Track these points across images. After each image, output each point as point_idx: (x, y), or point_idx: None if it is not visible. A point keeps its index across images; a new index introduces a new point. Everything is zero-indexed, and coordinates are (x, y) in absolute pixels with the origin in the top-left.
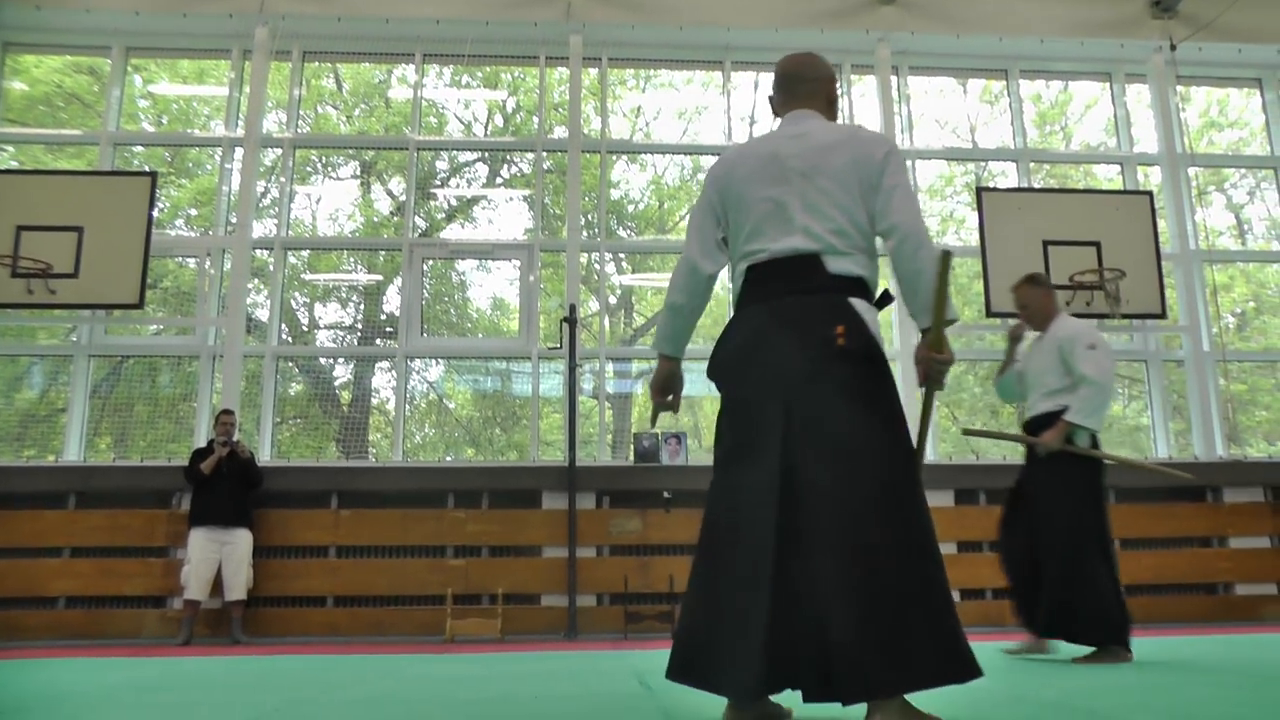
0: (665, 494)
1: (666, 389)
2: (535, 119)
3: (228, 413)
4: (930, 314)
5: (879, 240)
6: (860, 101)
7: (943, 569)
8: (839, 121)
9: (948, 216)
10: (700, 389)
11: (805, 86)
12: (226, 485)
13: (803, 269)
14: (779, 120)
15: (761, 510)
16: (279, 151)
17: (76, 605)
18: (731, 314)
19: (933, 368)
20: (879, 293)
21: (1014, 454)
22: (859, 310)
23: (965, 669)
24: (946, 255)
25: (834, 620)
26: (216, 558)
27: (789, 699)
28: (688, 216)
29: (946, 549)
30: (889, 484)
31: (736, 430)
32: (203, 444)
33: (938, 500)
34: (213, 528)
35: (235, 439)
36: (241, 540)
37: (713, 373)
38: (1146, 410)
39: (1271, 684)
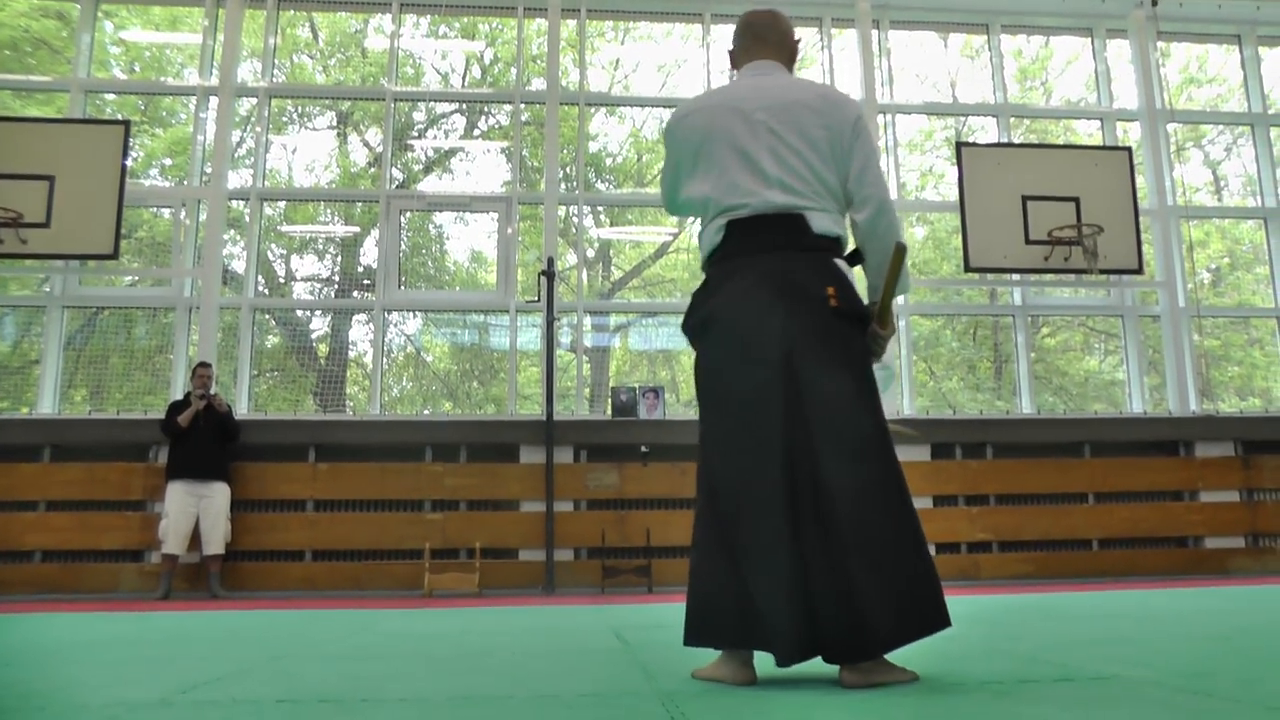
0: (643, 448)
1: None
2: (513, 71)
3: (205, 365)
4: (881, 289)
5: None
6: (840, 55)
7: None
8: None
9: (927, 171)
10: (679, 344)
11: (772, 36)
12: (204, 438)
13: (789, 227)
14: (739, 72)
15: (771, 472)
16: (254, 101)
17: (52, 559)
18: (706, 269)
19: (875, 340)
20: (848, 251)
21: (990, 408)
22: (844, 270)
23: (945, 618)
24: (902, 248)
25: (853, 582)
26: (194, 511)
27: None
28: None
29: (923, 503)
30: (877, 440)
31: (732, 391)
32: (179, 397)
33: (914, 454)
34: (190, 481)
35: (213, 392)
36: (219, 494)
37: (696, 330)
38: (1122, 365)
39: (1239, 636)
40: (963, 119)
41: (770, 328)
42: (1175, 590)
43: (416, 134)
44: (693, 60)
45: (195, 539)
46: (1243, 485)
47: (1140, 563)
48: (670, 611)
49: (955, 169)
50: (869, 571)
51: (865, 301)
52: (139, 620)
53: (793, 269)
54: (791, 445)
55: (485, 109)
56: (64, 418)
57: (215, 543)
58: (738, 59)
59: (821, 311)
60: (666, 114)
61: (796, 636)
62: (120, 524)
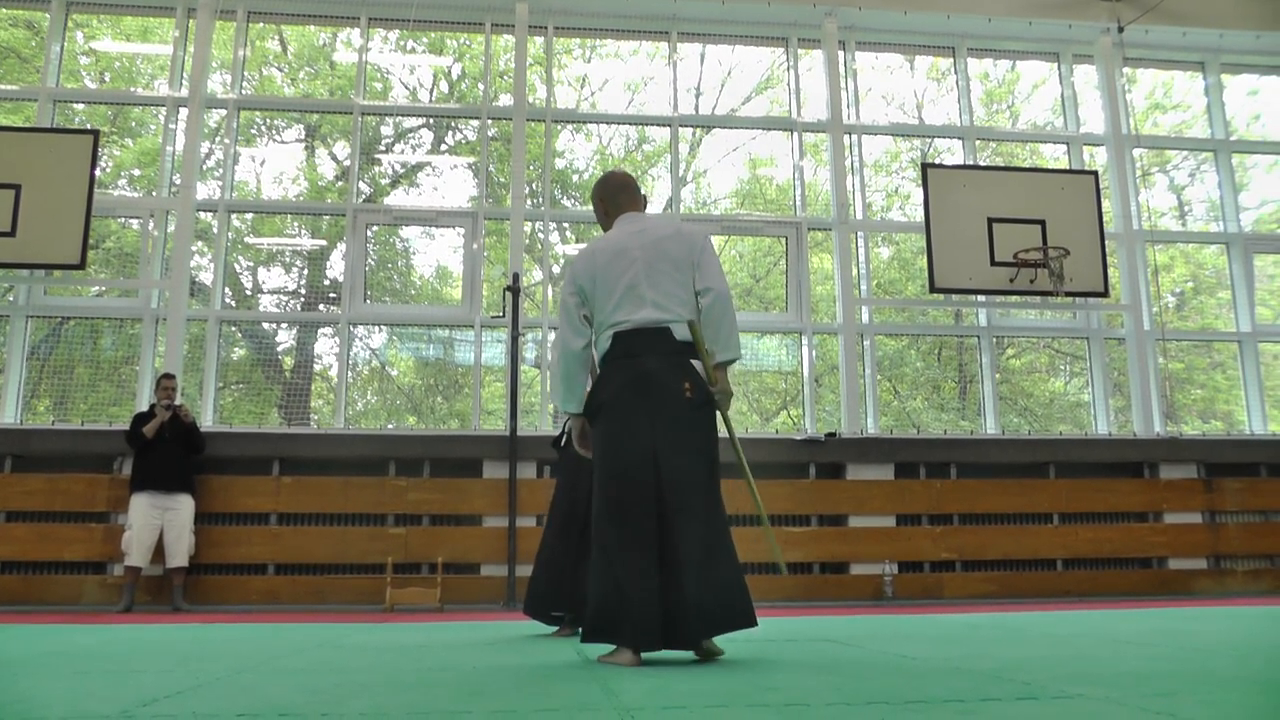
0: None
1: (588, 438)
2: (481, 86)
3: (169, 377)
4: (722, 354)
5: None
6: (806, 76)
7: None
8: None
9: (893, 192)
10: None
11: (631, 194)
12: (169, 450)
13: (657, 336)
14: (617, 221)
15: (642, 504)
16: (223, 113)
17: (13, 570)
18: (599, 368)
19: (719, 397)
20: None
21: (954, 428)
22: (697, 369)
23: (752, 619)
24: (721, 364)
25: (687, 581)
26: (159, 523)
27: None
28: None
29: (886, 522)
30: (710, 489)
31: (620, 447)
32: (144, 408)
33: (878, 474)
34: (155, 493)
35: (179, 403)
36: (184, 506)
37: (593, 412)
38: (1087, 387)
39: (1201, 656)
40: (929, 141)
41: (643, 411)
42: (1138, 611)
43: (384, 148)
44: (659, 78)
45: (159, 551)
46: (1205, 507)
47: (1104, 583)
48: None
49: (921, 190)
50: (698, 584)
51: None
52: (100, 633)
53: (660, 369)
54: (657, 483)
55: (452, 124)
56: (26, 428)
57: (179, 555)
58: (611, 213)
59: (679, 401)
60: (633, 131)
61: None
62: (83, 536)
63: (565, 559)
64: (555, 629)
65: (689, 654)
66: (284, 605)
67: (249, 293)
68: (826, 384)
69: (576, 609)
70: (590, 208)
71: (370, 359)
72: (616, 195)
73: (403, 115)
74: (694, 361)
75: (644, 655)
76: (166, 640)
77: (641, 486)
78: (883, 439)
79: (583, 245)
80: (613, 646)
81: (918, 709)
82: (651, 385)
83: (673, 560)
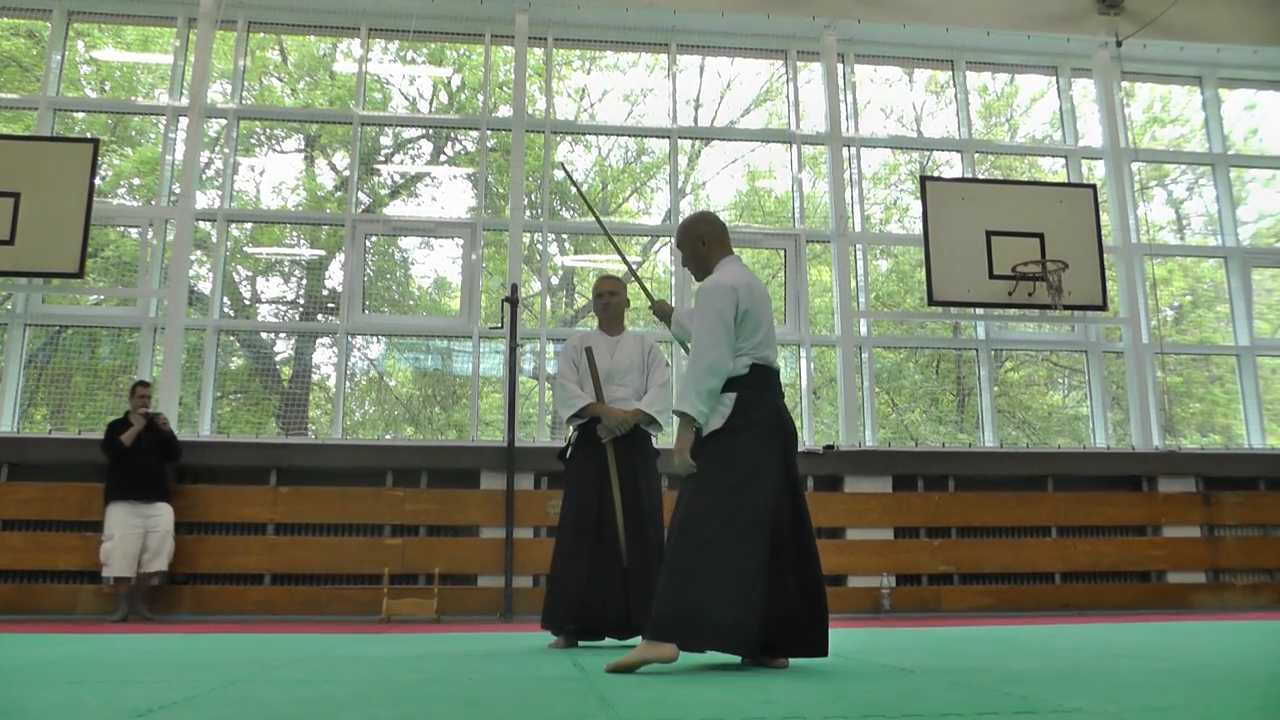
0: None
1: (701, 453)
2: (480, 97)
3: (144, 384)
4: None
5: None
6: (806, 88)
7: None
8: None
9: (891, 205)
10: None
11: (728, 238)
12: (146, 458)
13: (780, 381)
14: (731, 261)
15: (781, 520)
16: (223, 122)
17: (8, 579)
18: (737, 390)
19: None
20: None
21: (953, 441)
22: None
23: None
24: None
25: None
26: (140, 532)
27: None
28: (714, 316)
29: (883, 534)
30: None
31: (763, 465)
32: (119, 416)
33: (876, 486)
34: (135, 502)
35: (156, 411)
36: (165, 514)
37: (740, 428)
38: (1086, 400)
39: (1199, 670)
40: (928, 153)
41: (780, 447)
42: (1137, 624)
43: (383, 158)
44: (659, 90)
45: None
46: (1204, 521)
47: (1102, 597)
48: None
49: (920, 203)
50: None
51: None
52: (95, 642)
53: (788, 413)
54: (784, 525)
55: (452, 135)
56: (23, 436)
57: (160, 561)
58: (718, 253)
59: (797, 442)
60: (632, 143)
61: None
62: (78, 544)
63: (577, 571)
64: (552, 640)
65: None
66: (280, 615)
67: (247, 302)
68: (825, 396)
69: (587, 621)
70: (589, 219)
71: (368, 369)
72: (725, 238)
73: (402, 126)
74: None
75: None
76: (162, 650)
77: (785, 508)
78: (881, 451)
79: (579, 256)
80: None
81: None
82: (788, 423)
83: (799, 578)
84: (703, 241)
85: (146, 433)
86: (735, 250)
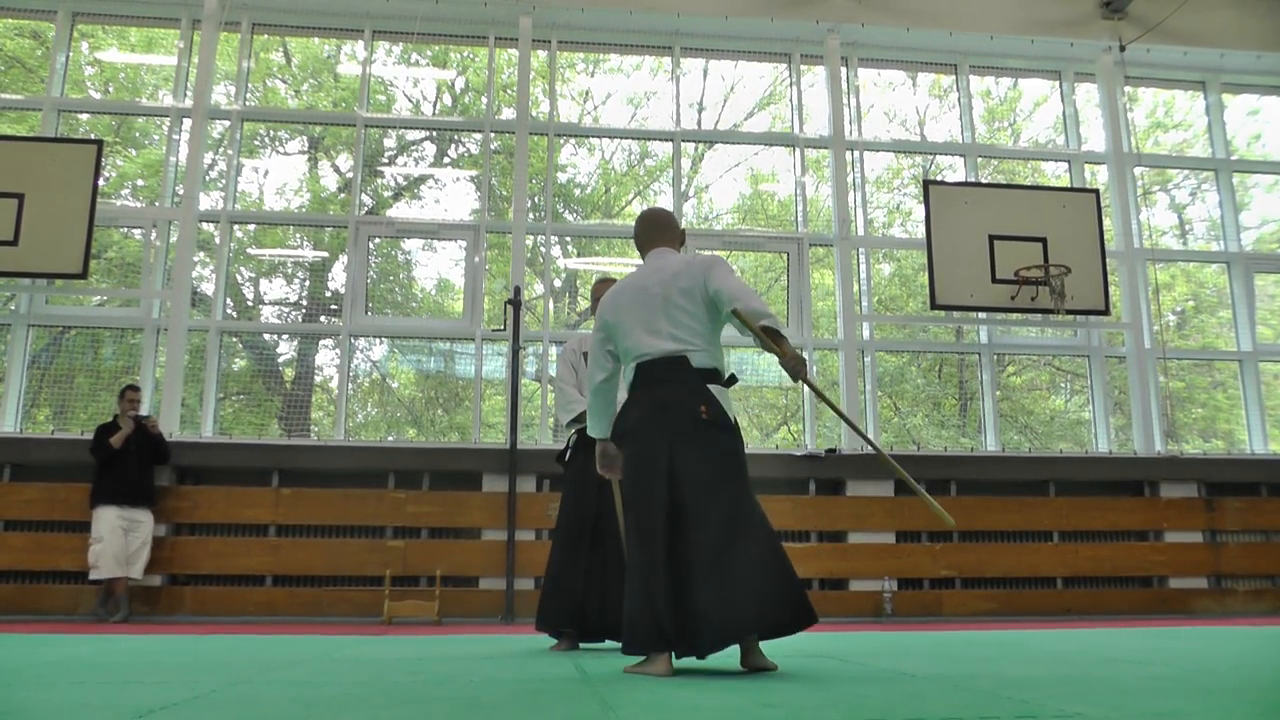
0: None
1: (611, 461)
2: (484, 100)
3: (134, 388)
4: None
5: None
6: (809, 92)
7: (780, 555)
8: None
9: (894, 208)
10: None
11: (662, 230)
12: (135, 462)
13: (675, 364)
14: (647, 257)
15: (658, 521)
16: (227, 124)
17: (9, 580)
18: (626, 394)
19: (788, 365)
20: (727, 376)
21: (955, 445)
22: (714, 393)
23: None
24: (765, 328)
25: (698, 592)
26: (125, 535)
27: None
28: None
29: (885, 538)
30: (731, 501)
31: (640, 470)
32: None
33: (878, 490)
34: (122, 506)
35: (146, 415)
36: (147, 520)
37: (620, 437)
38: (1088, 405)
39: (1201, 676)
40: (930, 157)
41: (662, 433)
42: (1138, 630)
43: (387, 160)
44: (662, 93)
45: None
46: (1206, 526)
47: (1104, 602)
48: None
49: (923, 207)
50: (709, 594)
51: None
52: (97, 643)
53: (679, 394)
54: (670, 504)
55: (455, 137)
56: (26, 436)
57: (136, 569)
58: (643, 249)
59: (695, 421)
60: (635, 145)
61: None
62: (80, 545)
63: (574, 573)
64: (555, 643)
65: (716, 664)
66: (282, 617)
67: (250, 304)
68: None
69: (586, 623)
70: (592, 222)
71: (371, 371)
72: (647, 231)
73: (406, 128)
74: (711, 386)
75: (680, 665)
76: (164, 651)
77: (660, 503)
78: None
79: (581, 259)
80: (642, 658)
81: None
82: (669, 408)
83: (685, 573)
84: (635, 241)
85: (136, 436)
86: (736, 253)
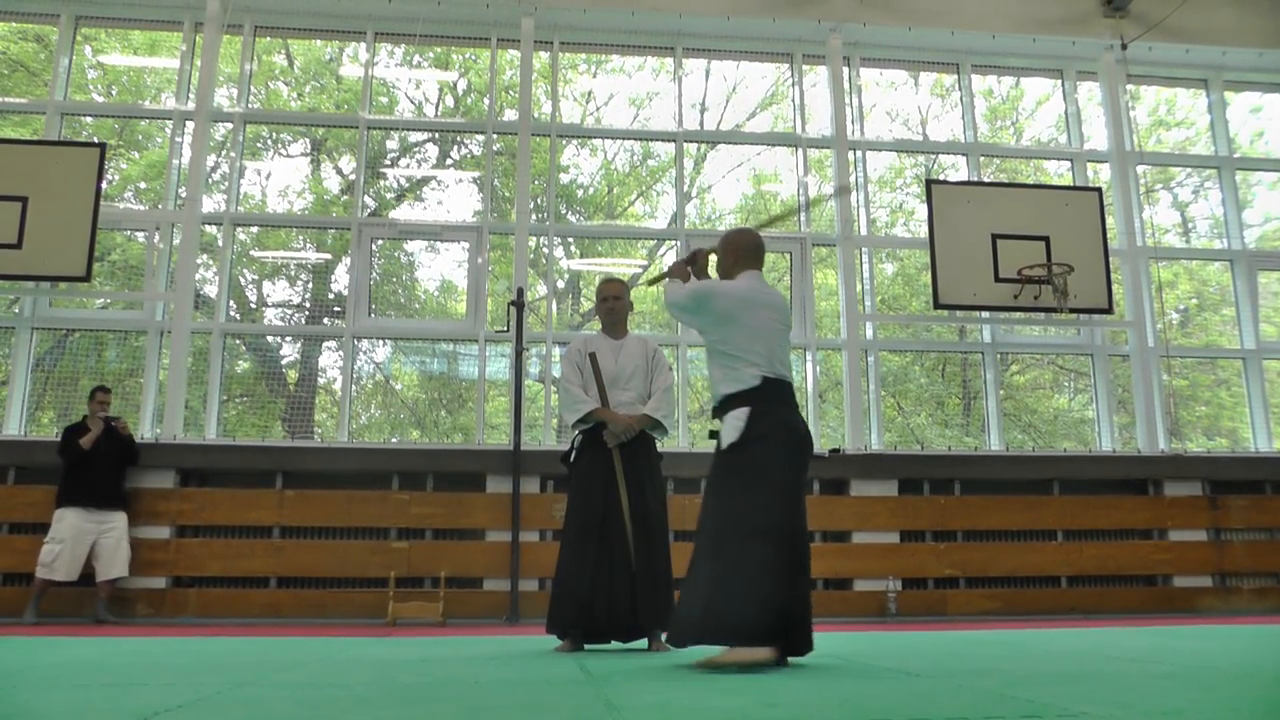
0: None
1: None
2: (486, 101)
3: (104, 390)
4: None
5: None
6: (811, 92)
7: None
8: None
9: (897, 208)
10: None
11: (761, 258)
12: (104, 464)
13: (791, 393)
14: (747, 275)
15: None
16: (229, 126)
17: (14, 582)
18: (735, 399)
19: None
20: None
21: (958, 445)
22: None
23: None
24: None
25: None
26: (91, 539)
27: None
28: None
29: (889, 538)
30: None
31: (781, 481)
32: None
33: (882, 490)
34: (91, 509)
35: (116, 416)
36: (120, 521)
37: (751, 440)
38: (1092, 404)
39: (1206, 674)
40: (933, 157)
41: (801, 463)
42: (1143, 628)
43: (389, 162)
44: (665, 93)
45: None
46: (1210, 525)
47: (1108, 600)
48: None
49: (925, 206)
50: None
51: None
52: (100, 645)
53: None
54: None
55: (458, 138)
56: (30, 439)
57: (117, 568)
58: (736, 265)
59: (806, 448)
60: (637, 146)
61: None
62: None
63: (581, 574)
64: (560, 643)
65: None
66: (286, 619)
67: (253, 306)
68: (830, 400)
69: (593, 624)
70: (595, 223)
71: (374, 372)
72: (754, 252)
73: (408, 129)
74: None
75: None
76: (167, 653)
77: (798, 514)
78: (886, 455)
79: (585, 260)
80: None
81: None
82: (795, 433)
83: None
84: (732, 255)
85: (105, 438)
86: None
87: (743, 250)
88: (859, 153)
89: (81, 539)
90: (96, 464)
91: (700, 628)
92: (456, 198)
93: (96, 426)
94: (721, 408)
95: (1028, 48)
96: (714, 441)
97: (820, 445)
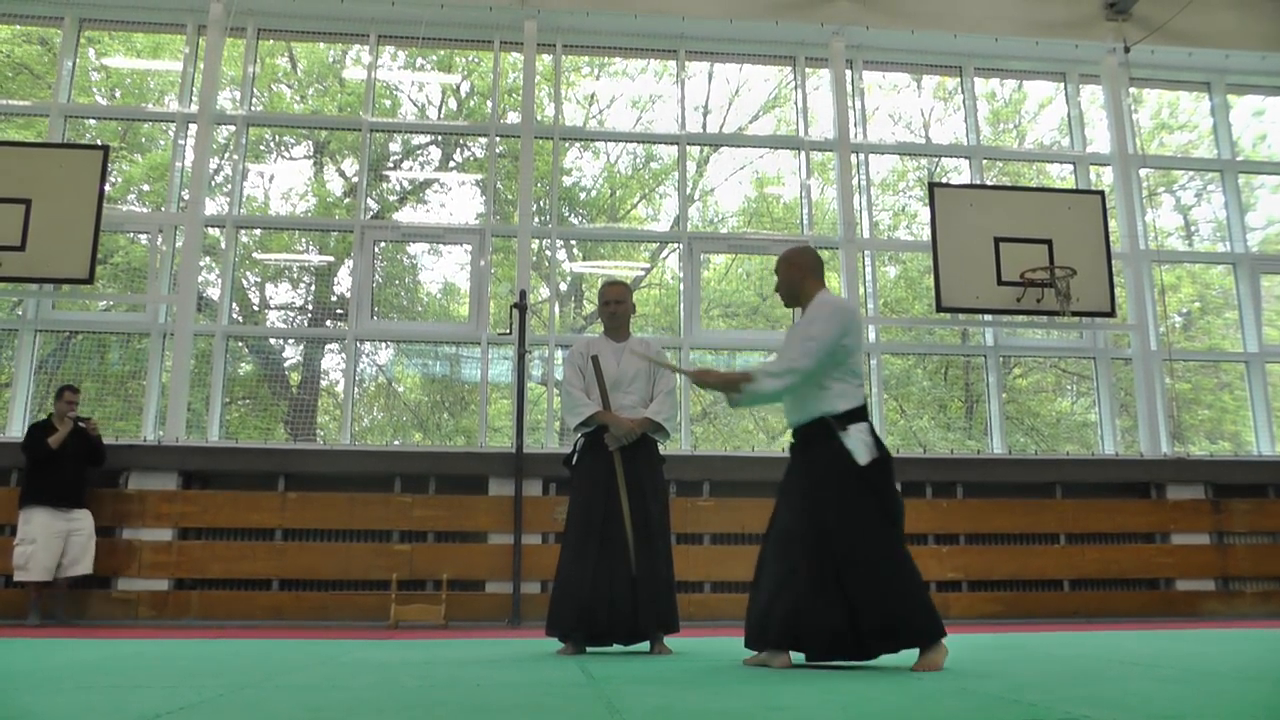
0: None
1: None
2: (489, 104)
3: (72, 389)
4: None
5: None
6: (814, 94)
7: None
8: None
9: (900, 211)
10: None
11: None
12: (70, 464)
13: None
14: (822, 291)
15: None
16: (233, 129)
17: (14, 584)
18: (864, 418)
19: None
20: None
21: (961, 448)
22: None
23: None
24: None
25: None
26: (62, 538)
27: None
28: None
29: None
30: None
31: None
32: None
33: None
34: (57, 509)
35: (85, 416)
36: (86, 520)
37: (887, 461)
38: (1094, 407)
39: (1209, 678)
40: (936, 160)
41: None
42: (1145, 632)
43: (392, 164)
44: (667, 96)
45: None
46: (1213, 528)
47: (1111, 604)
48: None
49: (928, 209)
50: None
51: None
52: (104, 647)
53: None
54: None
55: (461, 141)
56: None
57: (83, 566)
58: (806, 280)
59: None
60: (640, 149)
61: None
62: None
63: (582, 577)
64: (561, 646)
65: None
66: (288, 621)
67: (256, 308)
68: None
69: (594, 626)
70: (598, 225)
71: (377, 375)
72: (816, 269)
73: (411, 132)
74: None
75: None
76: (170, 656)
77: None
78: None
79: (587, 262)
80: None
81: None
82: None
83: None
84: (803, 272)
85: (72, 438)
86: (741, 256)
87: (810, 267)
88: (861, 155)
89: (53, 539)
90: (63, 464)
91: (909, 633)
92: (459, 200)
93: (65, 426)
94: (839, 422)
95: (1030, 51)
96: (793, 453)
97: None
